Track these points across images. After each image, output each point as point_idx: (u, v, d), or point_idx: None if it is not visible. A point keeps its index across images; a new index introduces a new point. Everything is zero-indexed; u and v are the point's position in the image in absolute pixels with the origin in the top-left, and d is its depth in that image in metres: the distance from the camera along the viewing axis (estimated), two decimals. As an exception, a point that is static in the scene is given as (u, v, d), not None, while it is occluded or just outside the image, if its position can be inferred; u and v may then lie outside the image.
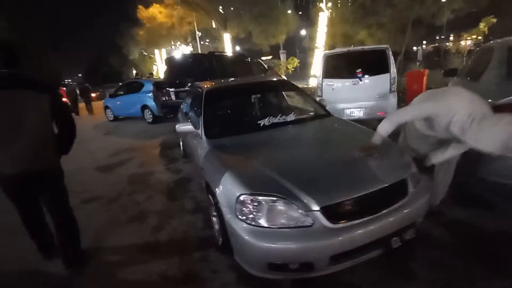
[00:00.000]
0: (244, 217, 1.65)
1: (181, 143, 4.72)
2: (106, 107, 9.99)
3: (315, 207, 1.55)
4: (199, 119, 2.73)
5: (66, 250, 2.12)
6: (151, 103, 8.23)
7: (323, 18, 11.75)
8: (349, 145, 2.17)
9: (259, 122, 2.66)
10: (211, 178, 2.06)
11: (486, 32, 7.73)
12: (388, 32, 10.28)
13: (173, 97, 6.60)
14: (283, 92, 3.56)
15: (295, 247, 1.52)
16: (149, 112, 8.41)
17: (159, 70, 23.23)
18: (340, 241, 1.52)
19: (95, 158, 5.25)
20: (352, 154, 1.94)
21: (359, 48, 5.11)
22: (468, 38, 16.29)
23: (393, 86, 4.70)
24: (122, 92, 9.49)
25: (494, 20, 7.60)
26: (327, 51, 5.22)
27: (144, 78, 12.11)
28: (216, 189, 1.92)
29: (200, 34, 19.92)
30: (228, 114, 3.19)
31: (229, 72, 6.41)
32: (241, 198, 1.67)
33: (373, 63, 4.77)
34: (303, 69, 17.84)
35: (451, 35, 18.68)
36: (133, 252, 2.31)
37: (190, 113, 3.44)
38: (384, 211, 1.64)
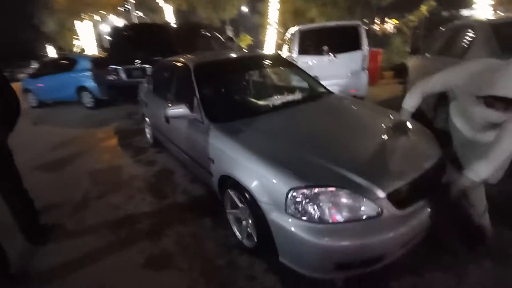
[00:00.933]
0: (299, 214, 1.40)
1: (147, 130, 4.07)
2: (26, 90, 8.05)
3: (381, 194, 1.38)
4: (194, 101, 2.27)
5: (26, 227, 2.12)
6: (90, 84, 6.93)
7: (275, -8, 11.39)
8: (376, 124, 2.05)
9: (267, 102, 2.35)
10: (238, 171, 1.71)
11: (428, 15, 8.60)
12: (341, 11, 10.56)
13: (123, 76, 5.62)
14: (279, 68, 3.24)
15: (367, 242, 1.35)
16: (90, 95, 7.08)
17: (84, 45, 19.77)
18: (412, 226, 1.41)
19: (33, 155, 4.16)
20: (386, 133, 1.83)
21: (333, 23, 5.03)
22: (391, 22, 18.14)
23: (365, 64, 4.81)
24: (47, 72, 7.72)
25: (434, 3, 8.47)
26: (302, 26, 5.01)
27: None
28: (251, 184, 1.60)
29: (134, 1, 17.30)
30: (229, 93, 2.75)
31: (190, 46, 5.75)
32: (294, 192, 1.40)
33: (346, 40, 4.77)
34: (255, 47, 17.36)
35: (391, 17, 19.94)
36: (138, 271, 1.85)
37: (168, 95, 2.89)
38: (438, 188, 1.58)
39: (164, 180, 3.06)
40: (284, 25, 13.15)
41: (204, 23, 7.52)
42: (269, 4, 11.51)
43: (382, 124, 1.96)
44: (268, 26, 11.80)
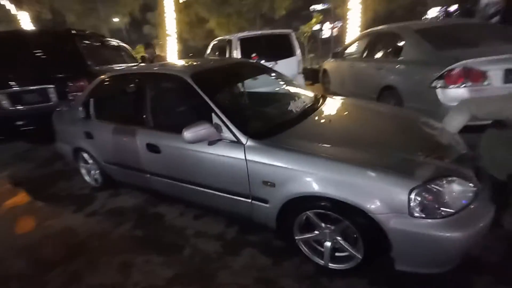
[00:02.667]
0: (424, 213, 1.35)
1: (84, 170, 3.05)
2: None
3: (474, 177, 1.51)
4: (213, 118, 1.85)
5: None
6: None
7: (169, 1, 10.72)
8: (396, 118, 2.22)
9: (290, 109, 2.17)
10: (327, 187, 1.49)
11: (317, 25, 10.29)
12: (244, 21, 11.06)
13: (4, 103, 3.97)
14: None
15: (481, 226, 1.43)
16: None
17: None
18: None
19: None
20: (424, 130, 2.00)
21: (269, 31, 5.22)
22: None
23: (300, 68, 5.23)
24: None
25: (320, 17, 10.18)
26: (241, 34, 4.94)
27: None
28: (352, 196, 1.43)
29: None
30: (247, 104, 2.32)
31: (101, 59, 4.71)
32: (414, 192, 1.35)
33: (281, 46, 5.04)
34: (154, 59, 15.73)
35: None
36: None
37: (144, 117, 2.24)
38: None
39: (157, 228, 2.34)
40: (180, 36, 12.66)
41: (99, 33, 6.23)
42: (164, 14, 10.79)
43: (405, 118, 2.16)
44: (167, 38, 11.03)
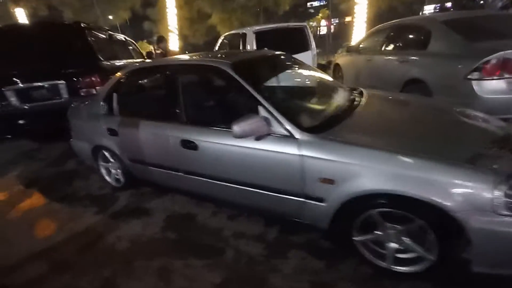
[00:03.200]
0: (510, 211, 1.25)
1: (104, 170, 2.90)
2: None
3: None
4: (260, 111, 1.71)
5: None
6: None
7: (170, -3, 10.50)
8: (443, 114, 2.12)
9: (336, 103, 2.05)
10: (402, 184, 1.37)
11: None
12: (249, 16, 10.88)
13: (13, 100, 3.77)
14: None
15: None
16: None
17: None
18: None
19: None
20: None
21: (284, 24, 5.07)
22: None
23: (315, 62, 5.11)
24: None
25: (328, 11, 10.04)
26: (256, 27, 4.79)
27: None
28: (434, 195, 1.31)
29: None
30: (292, 96, 2.18)
31: (110, 54, 4.53)
32: (499, 187, 1.24)
33: (296, 40, 4.91)
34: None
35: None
36: None
37: (178, 112, 2.09)
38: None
39: (190, 229, 2.21)
40: (180, 32, 12.42)
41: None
42: (167, 10, 10.56)
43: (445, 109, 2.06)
44: (170, 34, 10.81)
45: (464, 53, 3.00)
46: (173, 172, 2.26)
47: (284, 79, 2.32)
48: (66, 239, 2.24)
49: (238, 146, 1.79)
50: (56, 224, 2.47)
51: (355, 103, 2.06)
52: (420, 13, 18.07)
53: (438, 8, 23.51)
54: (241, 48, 4.92)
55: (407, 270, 1.55)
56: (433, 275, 1.52)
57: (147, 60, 5.86)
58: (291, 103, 2.00)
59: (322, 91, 2.17)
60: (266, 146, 1.71)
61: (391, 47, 4.29)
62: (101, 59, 4.12)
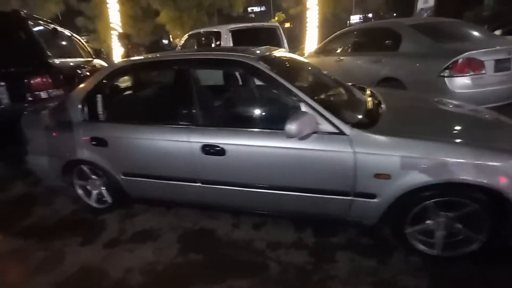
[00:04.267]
0: None
1: (80, 190, 2.39)
2: None
3: None
4: (309, 106, 1.59)
5: None
6: None
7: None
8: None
9: (364, 98, 2.05)
10: (470, 172, 1.41)
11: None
12: (203, 15, 10.38)
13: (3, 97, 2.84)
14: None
15: None
16: None
17: None
18: None
19: None
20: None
21: (259, 24, 4.98)
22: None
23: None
24: None
25: (283, 15, 10.27)
26: (233, 26, 4.57)
27: None
28: (492, 180, 1.39)
29: None
30: (325, 92, 2.01)
31: (55, 51, 3.82)
32: None
33: (269, 39, 4.89)
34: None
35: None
36: None
37: (193, 114, 1.82)
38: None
39: (215, 247, 1.93)
40: (123, 30, 11.31)
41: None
42: (107, 5, 9.45)
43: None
44: (112, 32, 9.68)
45: (434, 53, 3.37)
46: (188, 184, 1.96)
47: (307, 76, 2.22)
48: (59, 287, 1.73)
49: (280, 147, 1.64)
50: (32, 269, 1.89)
51: (377, 98, 2.09)
52: (348, 22, 20.22)
53: (362, 18, 26.81)
54: (213, 46, 4.67)
55: (455, 253, 1.62)
56: (480, 257, 1.61)
57: (96, 60, 5.13)
58: (330, 99, 1.93)
59: (344, 87, 2.15)
60: (311, 145, 1.60)
61: (360, 48, 4.59)
62: (50, 56, 3.41)
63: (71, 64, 3.96)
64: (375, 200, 1.59)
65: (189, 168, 1.89)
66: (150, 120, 1.98)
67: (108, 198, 2.35)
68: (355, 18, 25.47)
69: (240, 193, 1.85)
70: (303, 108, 1.61)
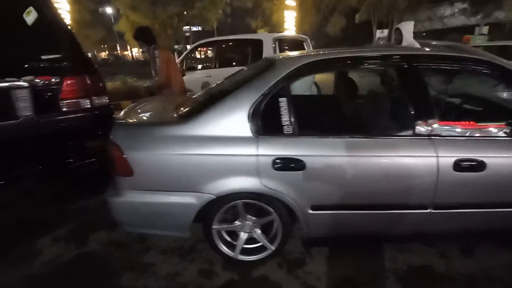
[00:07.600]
0: None
1: (220, 243, 1.71)
2: None
3: None
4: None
5: None
6: None
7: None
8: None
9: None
10: None
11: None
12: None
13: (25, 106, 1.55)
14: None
15: None
16: None
17: None
18: None
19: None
20: None
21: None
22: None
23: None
24: None
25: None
26: (276, 35, 4.42)
27: None
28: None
29: None
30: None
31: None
32: None
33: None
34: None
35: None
36: None
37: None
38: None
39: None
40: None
41: None
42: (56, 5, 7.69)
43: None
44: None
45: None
46: (412, 211, 1.53)
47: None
48: None
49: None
50: None
51: None
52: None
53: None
54: (250, 56, 4.27)
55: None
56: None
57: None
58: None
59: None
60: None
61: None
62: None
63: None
64: None
65: (427, 191, 1.47)
66: (370, 131, 1.49)
67: (266, 244, 1.66)
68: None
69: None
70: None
